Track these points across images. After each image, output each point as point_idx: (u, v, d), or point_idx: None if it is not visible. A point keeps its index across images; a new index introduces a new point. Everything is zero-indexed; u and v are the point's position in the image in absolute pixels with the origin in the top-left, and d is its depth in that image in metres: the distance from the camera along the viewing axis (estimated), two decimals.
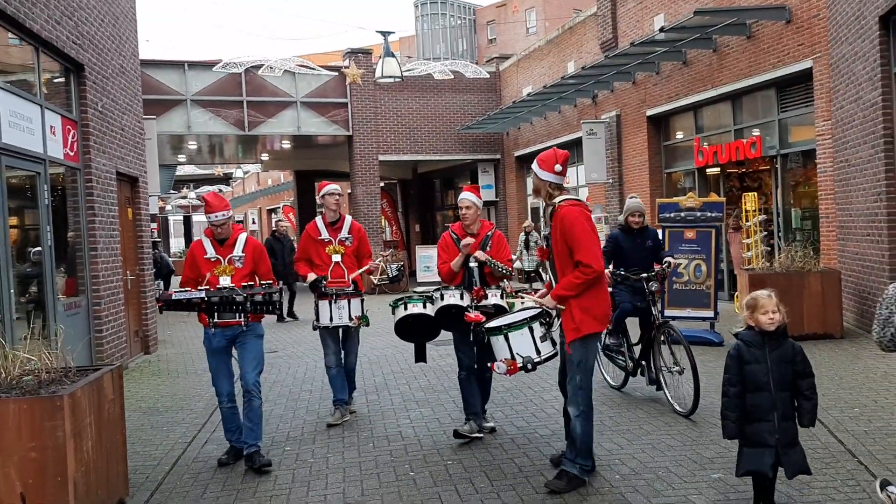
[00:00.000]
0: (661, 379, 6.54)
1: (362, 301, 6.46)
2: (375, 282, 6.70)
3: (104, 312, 9.08)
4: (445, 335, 5.91)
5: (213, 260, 5.50)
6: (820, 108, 10.82)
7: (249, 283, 5.31)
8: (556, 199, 4.69)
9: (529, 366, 4.76)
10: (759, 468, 3.91)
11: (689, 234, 9.94)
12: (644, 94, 15.40)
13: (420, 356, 6.11)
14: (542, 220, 19.81)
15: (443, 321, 5.71)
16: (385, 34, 16.40)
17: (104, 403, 4.49)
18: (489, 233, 5.94)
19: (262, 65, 18.87)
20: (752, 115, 12.97)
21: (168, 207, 48.03)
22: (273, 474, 5.23)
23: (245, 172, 39.76)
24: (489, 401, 6.22)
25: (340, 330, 6.55)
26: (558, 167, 4.74)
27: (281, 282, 6.11)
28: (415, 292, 7.01)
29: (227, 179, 46.64)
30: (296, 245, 10.95)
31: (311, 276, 6.42)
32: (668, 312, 9.37)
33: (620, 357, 7.00)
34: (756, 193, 12.49)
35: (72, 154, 8.66)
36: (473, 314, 5.32)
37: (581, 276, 4.49)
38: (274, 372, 8.93)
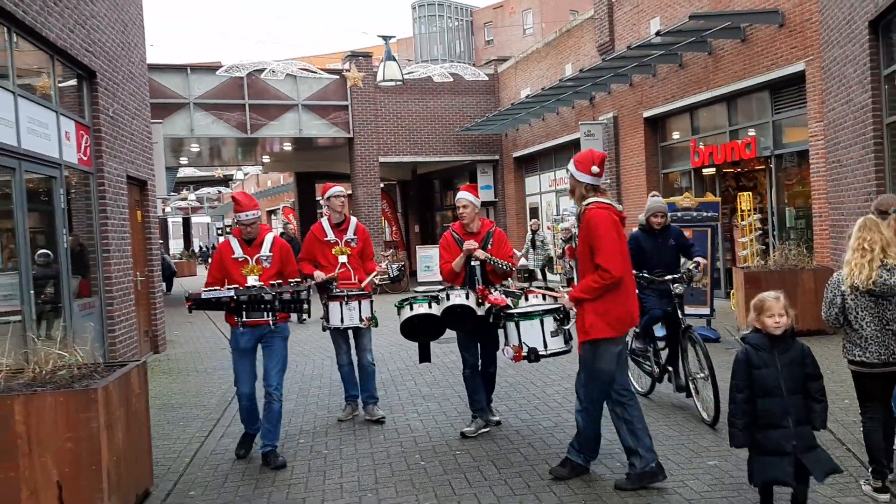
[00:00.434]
0: (691, 385, 6.24)
1: (372, 302, 6.52)
2: (377, 281, 6.81)
3: (116, 312, 9.33)
4: (448, 333, 6.00)
5: (240, 260, 5.53)
6: (812, 110, 11.09)
7: (278, 281, 5.32)
8: (587, 201, 4.66)
9: (532, 356, 4.88)
10: (779, 477, 3.76)
11: (686, 234, 10.19)
12: (641, 96, 15.66)
13: (424, 356, 6.17)
14: (547, 218, 20.08)
15: (448, 321, 5.77)
16: (386, 39, 16.66)
17: (132, 397, 4.74)
18: (490, 230, 6.01)
19: (265, 68, 19.10)
20: (747, 116, 13.24)
21: (168, 209, 48.24)
22: (290, 465, 5.48)
23: (245, 174, 39.97)
24: (494, 394, 6.38)
25: (351, 330, 6.61)
26: (595, 168, 4.68)
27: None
28: (417, 292, 7.20)
29: (226, 181, 46.86)
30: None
31: (319, 275, 6.41)
32: None
33: (647, 362, 6.77)
34: (751, 193, 12.78)
35: (85, 158, 8.90)
36: (497, 296, 5.36)
37: (599, 280, 4.49)
38: None
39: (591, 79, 15.84)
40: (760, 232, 12.55)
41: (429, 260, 20.61)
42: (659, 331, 6.73)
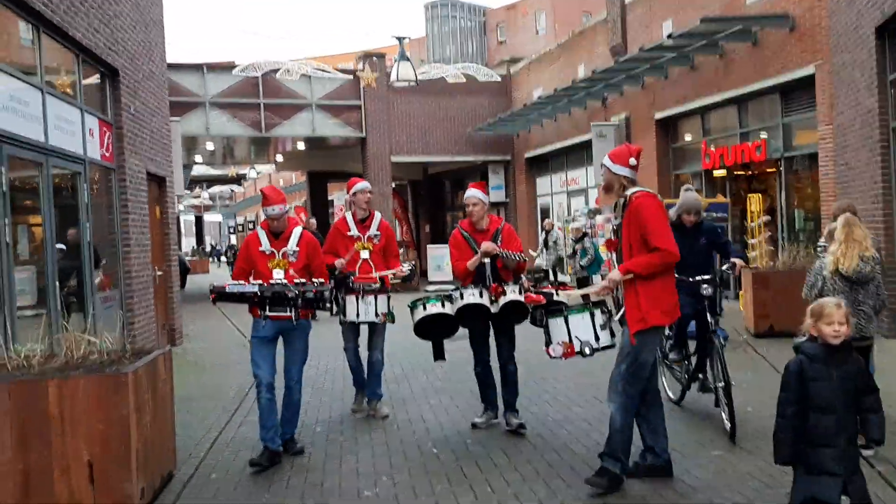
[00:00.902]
0: (718, 395, 5.82)
1: (389, 298, 6.48)
2: (391, 277, 6.87)
3: (136, 306, 9.56)
4: (461, 331, 6.01)
5: (267, 253, 5.52)
6: (822, 113, 11.21)
7: (302, 279, 5.36)
8: (630, 191, 4.62)
9: (587, 350, 4.65)
10: (827, 499, 3.48)
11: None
12: (653, 98, 15.80)
13: (438, 354, 6.16)
14: (558, 219, 20.21)
15: (461, 319, 5.78)
16: (401, 39, 16.87)
17: (158, 383, 4.95)
18: (499, 227, 6.03)
19: (280, 69, 19.34)
20: (758, 118, 13.36)
21: (181, 207, 48.66)
22: (307, 451, 5.67)
23: (258, 173, 40.30)
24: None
25: (365, 325, 6.58)
26: (633, 161, 4.65)
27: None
28: (428, 292, 7.30)
29: (239, 180, 47.24)
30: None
31: (340, 261, 6.40)
32: None
33: (679, 369, 6.56)
34: (761, 195, 12.89)
35: (107, 155, 9.14)
36: (535, 295, 5.31)
37: (659, 258, 4.44)
38: None
39: (603, 80, 16.00)
40: (769, 233, 12.66)
41: (440, 259, 20.78)
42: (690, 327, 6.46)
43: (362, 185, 6.80)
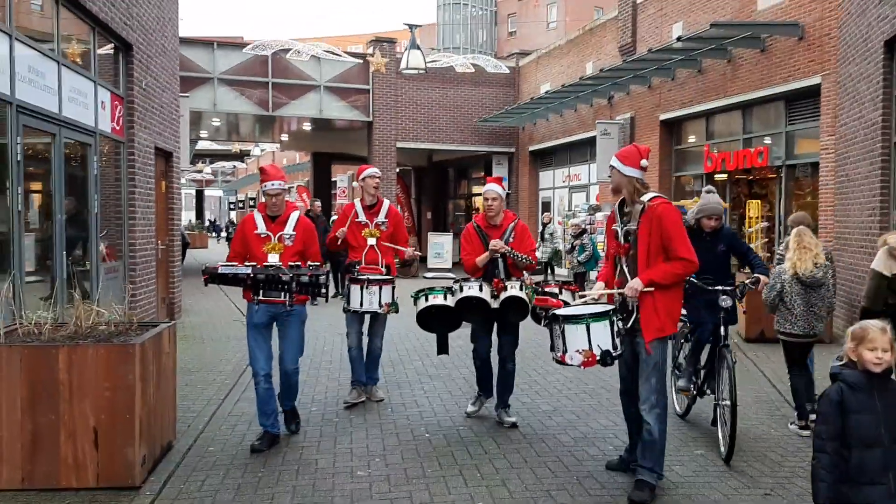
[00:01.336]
0: (718, 411, 5.54)
1: (393, 288, 6.47)
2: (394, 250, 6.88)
3: (138, 278, 9.70)
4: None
5: (262, 236, 5.41)
6: (825, 124, 11.33)
7: (297, 263, 5.27)
8: (647, 196, 4.57)
9: (609, 360, 4.47)
10: None
11: None
12: (659, 99, 15.90)
13: (442, 349, 6.20)
14: (557, 213, 20.34)
15: (462, 312, 5.82)
16: (412, 27, 16.93)
17: (162, 355, 5.09)
18: (512, 224, 6.00)
19: (290, 49, 19.39)
20: (761, 125, 13.47)
21: (182, 181, 48.63)
22: (303, 430, 5.83)
23: (262, 150, 40.35)
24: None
25: (368, 314, 6.59)
26: (644, 162, 4.60)
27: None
28: (424, 277, 7.35)
29: (242, 156, 47.25)
30: (330, 226, 11.28)
31: (341, 230, 6.52)
32: None
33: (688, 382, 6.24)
34: (760, 201, 13.04)
35: (118, 128, 9.25)
36: (553, 299, 5.20)
37: (681, 267, 4.45)
38: None
39: (610, 79, 16.09)
40: (766, 240, 12.81)
41: (439, 247, 20.97)
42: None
43: (372, 170, 6.78)
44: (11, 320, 5.07)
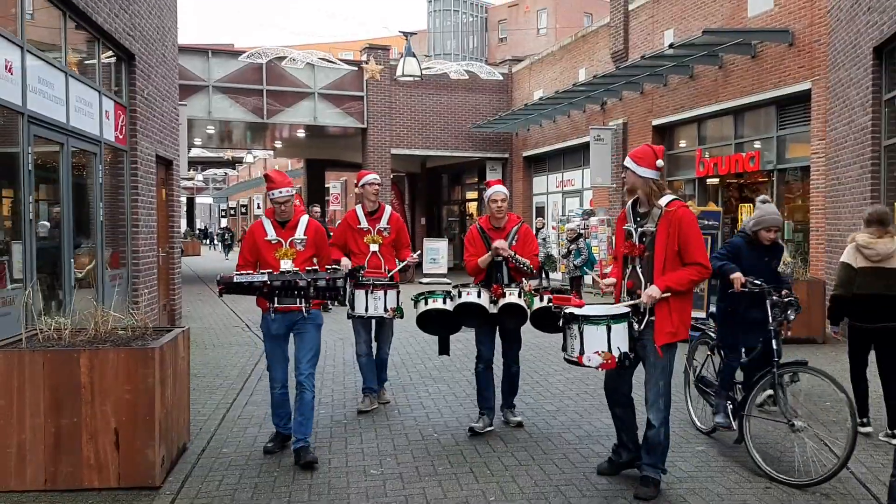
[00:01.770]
0: (747, 428, 5.13)
1: (398, 293, 6.46)
2: (399, 265, 7.01)
3: (141, 285, 9.80)
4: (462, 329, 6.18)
5: (273, 242, 5.29)
6: (816, 128, 11.56)
7: (314, 267, 5.13)
8: (665, 199, 4.55)
9: (627, 361, 4.45)
10: None
11: None
12: (651, 105, 16.12)
13: (443, 349, 6.20)
14: (551, 218, 20.51)
15: (462, 317, 5.83)
16: (407, 35, 17.11)
17: (178, 359, 5.21)
18: (516, 226, 5.98)
19: (286, 57, 19.53)
20: (753, 130, 13.71)
21: None
22: (313, 431, 5.91)
23: (254, 157, 40.41)
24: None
25: (374, 320, 6.60)
26: (660, 162, 4.57)
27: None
28: (420, 283, 7.44)
29: (234, 163, 47.24)
30: (329, 235, 11.40)
31: (346, 262, 6.31)
32: None
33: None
34: (752, 205, 13.23)
35: (121, 137, 9.37)
36: (575, 299, 5.01)
37: (697, 274, 4.46)
38: None
39: (603, 85, 16.31)
40: None
41: (434, 252, 21.10)
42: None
43: (371, 176, 6.77)
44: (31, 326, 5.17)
